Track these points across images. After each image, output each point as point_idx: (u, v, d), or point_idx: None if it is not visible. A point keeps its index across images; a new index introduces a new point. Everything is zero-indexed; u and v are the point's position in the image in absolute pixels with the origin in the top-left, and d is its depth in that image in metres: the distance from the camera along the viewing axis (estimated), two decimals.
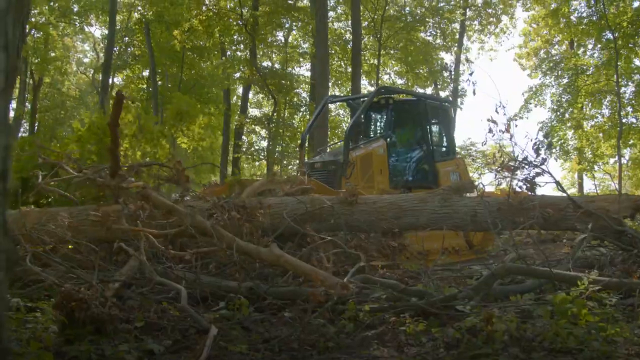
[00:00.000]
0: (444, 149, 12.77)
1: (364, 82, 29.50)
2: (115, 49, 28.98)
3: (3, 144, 1.17)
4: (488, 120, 5.41)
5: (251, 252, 5.43)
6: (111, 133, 6.55)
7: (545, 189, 7.47)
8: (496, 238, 10.58)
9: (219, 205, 6.32)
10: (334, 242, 6.28)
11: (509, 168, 6.05)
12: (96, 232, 6.16)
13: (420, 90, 28.81)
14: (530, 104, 31.30)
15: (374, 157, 11.07)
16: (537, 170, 6.02)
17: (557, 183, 6.54)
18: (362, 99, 12.66)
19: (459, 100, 31.06)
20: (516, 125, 5.85)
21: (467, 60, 32.63)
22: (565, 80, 29.68)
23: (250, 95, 32.52)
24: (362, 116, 12.21)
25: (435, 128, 12.75)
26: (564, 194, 6.70)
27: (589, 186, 31.80)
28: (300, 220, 6.64)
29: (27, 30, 25.64)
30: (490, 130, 5.55)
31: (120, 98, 6.53)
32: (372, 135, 12.52)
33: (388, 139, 11.63)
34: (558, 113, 30.05)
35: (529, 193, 6.46)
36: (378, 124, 13.06)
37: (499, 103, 5.60)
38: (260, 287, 5.17)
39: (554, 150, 28.54)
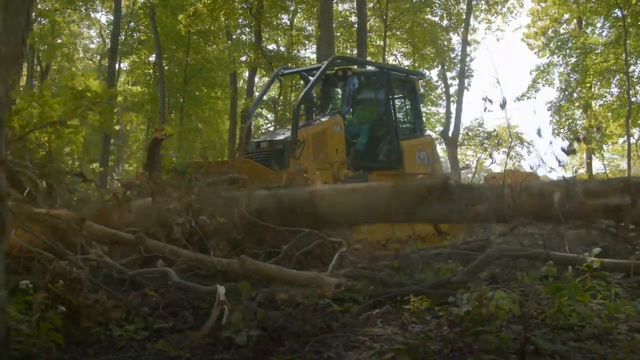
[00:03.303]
0: (410, 125, 11.88)
1: None
2: (121, 34, 28.98)
3: None
4: (483, 99, 5.36)
5: (224, 267, 5.02)
6: None
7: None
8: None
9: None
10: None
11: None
12: None
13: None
14: (538, 83, 31.11)
15: (329, 134, 10.02)
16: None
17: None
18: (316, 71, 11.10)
19: (465, 81, 30.89)
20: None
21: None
22: (573, 60, 29.43)
23: (257, 78, 32.48)
24: (314, 89, 11.15)
25: (400, 103, 11.91)
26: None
27: (598, 166, 31.65)
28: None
29: (32, 18, 25.65)
30: (486, 109, 5.50)
31: None
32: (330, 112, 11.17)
33: (346, 115, 10.64)
34: (566, 92, 29.86)
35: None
36: (337, 98, 11.82)
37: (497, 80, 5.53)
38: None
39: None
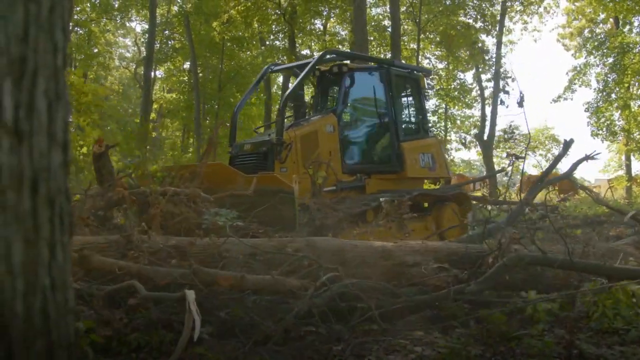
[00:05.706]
0: (413, 125, 11.25)
1: None
2: (156, 42, 29.40)
3: (63, 117, 1.26)
4: (500, 93, 5.12)
5: (177, 278, 4.35)
6: None
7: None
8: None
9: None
10: None
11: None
12: None
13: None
14: (574, 84, 30.63)
15: (321, 135, 9.24)
16: None
17: None
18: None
19: (500, 83, 30.55)
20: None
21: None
22: (610, 60, 28.89)
23: (290, 84, 32.53)
24: (302, 85, 10.37)
25: (402, 101, 11.09)
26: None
27: (637, 167, 31.02)
28: None
29: (70, 28, 26.16)
30: (502, 102, 5.28)
31: None
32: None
33: (341, 114, 9.87)
34: (604, 93, 29.31)
35: None
36: (333, 97, 10.90)
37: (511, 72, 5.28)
38: None
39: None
